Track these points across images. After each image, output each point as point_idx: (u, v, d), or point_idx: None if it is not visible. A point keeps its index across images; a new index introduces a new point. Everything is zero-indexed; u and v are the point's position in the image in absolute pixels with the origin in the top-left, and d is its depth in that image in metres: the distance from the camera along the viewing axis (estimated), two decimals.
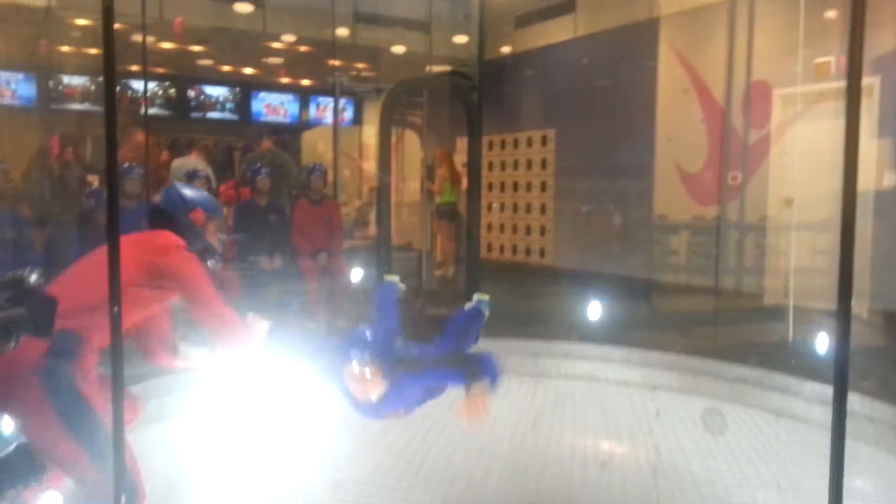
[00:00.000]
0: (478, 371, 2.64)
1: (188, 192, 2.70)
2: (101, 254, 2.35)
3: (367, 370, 2.47)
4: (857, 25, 2.24)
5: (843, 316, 2.32)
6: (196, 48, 9.07)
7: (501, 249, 9.96)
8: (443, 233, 8.42)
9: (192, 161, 6.91)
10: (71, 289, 2.28)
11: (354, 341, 2.53)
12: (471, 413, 2.50)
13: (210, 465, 3.44)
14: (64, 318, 2.03)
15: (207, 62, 9.44)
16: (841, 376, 2.31)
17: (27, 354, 2.07)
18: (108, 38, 2.47)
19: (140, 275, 2.40)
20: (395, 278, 3.80)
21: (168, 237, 2.55)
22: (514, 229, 9.81)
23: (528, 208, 9.57)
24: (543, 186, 9.34)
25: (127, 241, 2.41)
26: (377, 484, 3.26)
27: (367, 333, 2.59)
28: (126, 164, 5.68)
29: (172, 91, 8.88)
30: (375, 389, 2.54)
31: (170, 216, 2.61)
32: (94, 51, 7.59)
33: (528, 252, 9.60)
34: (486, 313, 3.67)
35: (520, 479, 3.38)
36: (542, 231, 9.39)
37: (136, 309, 2.43)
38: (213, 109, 9.15)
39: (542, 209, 9.38)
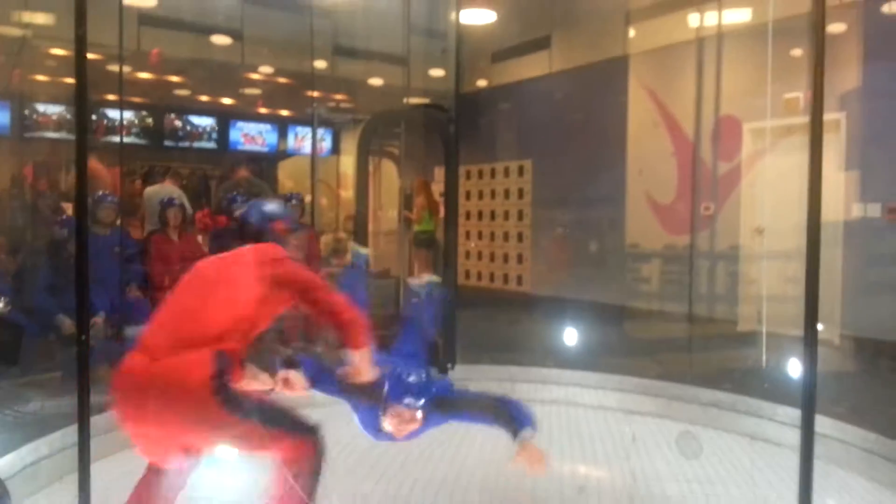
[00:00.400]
0: (509, 418, 2.74)
1: (271, 206, 2.87)
2: (211, 280, 2.54)
3: (417, 414, 2.57)
4: (818, 64, 2.34)
5: (810, 341, 2.38)
6: (174, 78, 9.09)
7: (479, 277, 10.00)
8: (420, 260, 8.44)
9: (167, 188, 6.88)
10: (196, 317, 2.42)
11: (403, 385, 2.62)
12: (531, 462, 2.62)
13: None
14: (214, 342, 2.32)
15: (185, 92, 9.46)
16: (809, 398, 2.36)
17: (197, 385, 2.26)
18: (80, 67, 2.49)
19: (263, 288, 2.50)
20: (363, 250, 3.87)
21: (276, 248, 2.68)
22: (492, 257, 9.89)
23: (506, 237, 9.66)
24: (520, 215, 9.44)
25: (240, 259, 2.59)
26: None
27: (413, 377, 2.65)
28: (100, 192, 5.66)
29: (149, 120, 8.86)
30: (412, 428, 2.63)
31: (258, 230, 2.74)
32: (68, 80, 7.57)
33: (505, 280, 9.66)
34: (438, 293, 3.66)
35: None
36: (520, 259, 9.46)
37: (260, 323, 2.53)
38: (191, 139, 9.14)
39: (520, 237, 9.47)
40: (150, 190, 7.02)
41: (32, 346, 4.66)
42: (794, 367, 4.49)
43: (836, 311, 5.97)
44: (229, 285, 2.50)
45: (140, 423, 2.36)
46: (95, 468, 2.53)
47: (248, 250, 2.67)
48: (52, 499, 3.27)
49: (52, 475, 3.44)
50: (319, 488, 2.53)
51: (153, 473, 2.51)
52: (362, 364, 2.57)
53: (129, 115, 8.58)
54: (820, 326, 2.47)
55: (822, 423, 3.93)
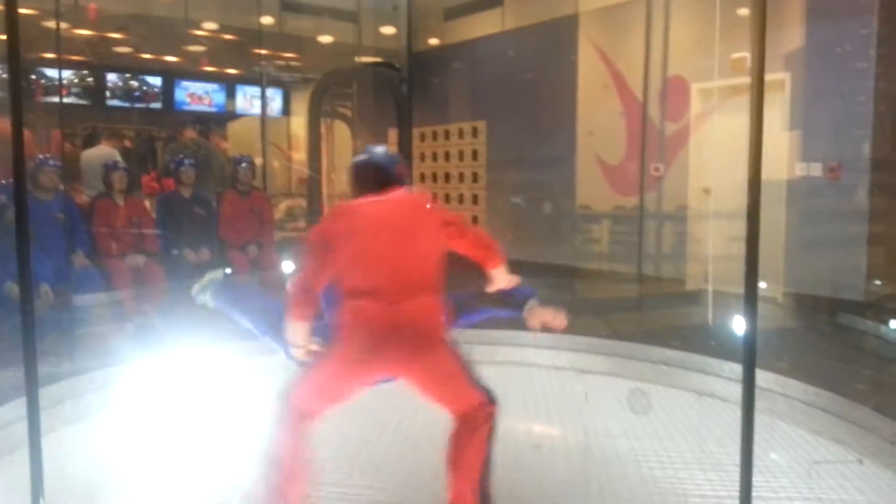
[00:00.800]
0: (519, 300, 2.96)
1: (385, 149, 2.87)
2: (407, 227, 2.60)
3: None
4: (758, 23, 2.36)
5: (751, 298, 2.45)
6: (114, 35, 8.74)
7: None
8: None
9: (105, 151, 6.68)
10: (416, 263, 2.59)
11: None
12: (549, 322, 2.90)
13: (134, 467, 3.36)
14: (434, 287, 2.59)
15: (126, 49, 9.10)
16: (749, 353, 2.45)
17: (436, 328, 2.59)
18: (11, 22, 2.37)
19: (441, 232, 2.65)
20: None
21: (427, 193, 2.94)
22: None
23: (461, 199, 9.64)
24: (475, 177, 9.43)
25: (418, 204, 2.70)
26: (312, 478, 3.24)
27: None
28: (42, 156, 5.46)
29: (90, 79, 8.52)
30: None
31: (397, 174, 2.71)
32: None
33: None
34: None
35: None
36: (475, 221, 9.48)
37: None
38: (134, 99, 8.83)
39: (475, 199, 9.47)
40: (87, 153, 6.81)
41: None
42: (739, 325, 4.67)
43: (780, 269, 6.17)
44: (426, 231, 2.63)
45: (371, 365, 2.57)
46: (45, 441, 2.48)
47: (417, 196, 2.80)
48: (2, 472, 3.21)
49: (2, 449, 3.38)
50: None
51: (302, 421, 2.63)
52: (504, 276, 2.90)
53: (68, 74, 8.24)
54: (763, 284, 2.56)
55: (766, 378, 4.10)
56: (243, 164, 6.21)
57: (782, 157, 6.28)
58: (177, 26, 8.56)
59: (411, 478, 3.29)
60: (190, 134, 7.19)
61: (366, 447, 3.63)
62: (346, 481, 3.25)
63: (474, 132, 9.36)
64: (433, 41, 10.14)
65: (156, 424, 3.87)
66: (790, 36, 6.28)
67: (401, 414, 4.00)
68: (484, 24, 9.35)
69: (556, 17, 8.34)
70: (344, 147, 10.12)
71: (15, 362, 3.84)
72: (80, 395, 3.98)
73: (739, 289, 2.44)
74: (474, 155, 9.38)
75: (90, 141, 7.56)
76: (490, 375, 4.81)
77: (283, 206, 8.65)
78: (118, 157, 6.45)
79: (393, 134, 7.90)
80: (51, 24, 6.09)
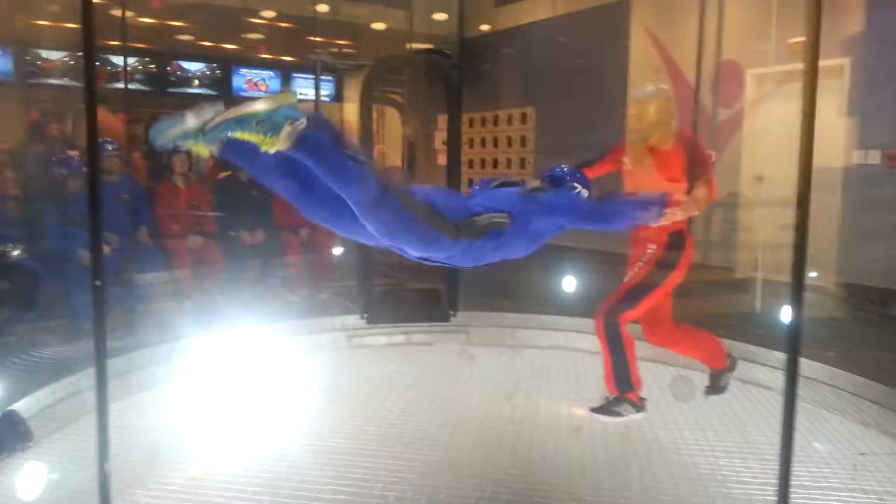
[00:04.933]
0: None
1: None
2: None
3: None
4: (814, 6, 2.35)
5: (797, 287, 2.45)
6: (176, 23, 9.01)
7: None
8: None
9: None
10: None
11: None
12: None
13: (193, 434, 3.54)
14: None
15: (187, 37, 9.38)
16: (794, 342, 2.45)
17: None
18: (86, 12, 2.52)
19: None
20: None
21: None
22: None
23: None
24: (523, 163, 9.44)
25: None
26: (358, 451, 3.38)
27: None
28: (100, 141, 5.68)
29: (152, 66, 8.82)
30: None
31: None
32: (71, 25, 7.53)
33: None
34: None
35: (496, 445, 3.52)
36: None
37: None
38: (193, 85, 9.11)
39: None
40: None
41: (46, 292, 4.78)
42: (787, 314, 4.61)
43: (833, 258, 6.05)
44: None
45: None
46: (111, 409, 2.66)
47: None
48: (69, 439, 3.43)
49: (68, 417, 3.60)
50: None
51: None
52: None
53: (131, 61, 8.54)
54: (814, 273, 2.55)
55: (812, 368, 4.07)
56: None
57: (839, 145, 6.14)
58: (235, 14, 8.77)
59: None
60: None
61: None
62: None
63: (523, 118, 9.37)
64: (484, 27, 10.15)
65: (213, 396, 4.06)
66: (850, 20, 6.10)
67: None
68: (535, 10, 9.31)
69: (608, 1, 8.25)
70: (395, 133, 10.25)
71: (84, 336, 4.09)
72: (143, 367, 4.20)
73: (789, 278, 2.44)
74: (522, 141, 9.38)
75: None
76: (534, 359, 4.92)
77: None
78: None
79: (443, 120, 7.95)
80: (117, 12, 6.35)
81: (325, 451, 3.36)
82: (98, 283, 2.57)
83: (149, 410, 3.85)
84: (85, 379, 3.71)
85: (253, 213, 6.02)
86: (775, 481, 2.41)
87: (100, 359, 2.60)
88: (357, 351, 5.14)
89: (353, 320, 5.28)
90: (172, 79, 8.96)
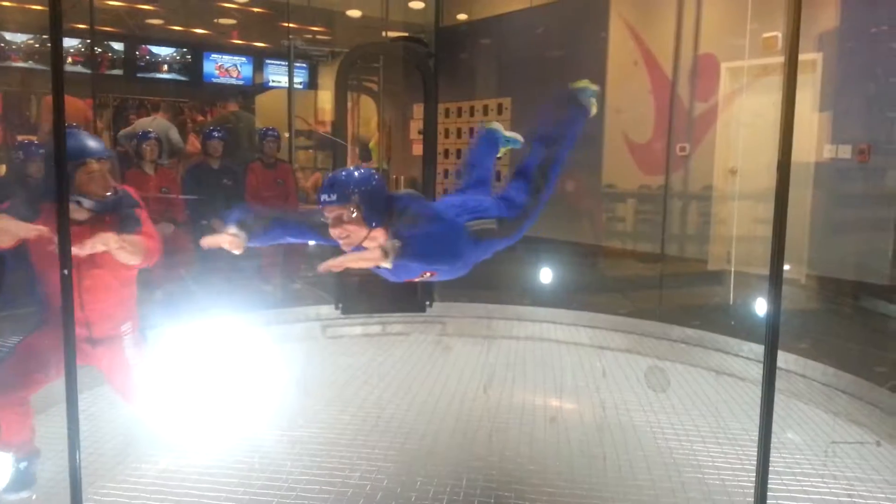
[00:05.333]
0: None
1: None
2: None
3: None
4: (794, 2, 2.35)
5: (775, 279, 2.47)
6: (145, 6, 8.82)
7: None
8: None
9: (159, 122, 6.81)
10: None
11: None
12: None
13: (166, 425, 3.47)
14: None
15: (157, 21, 9.18)
16: (772, 334, 2.47)
17: None
18: None
19: None
20: (496, 125, 3.39)
21: None
22: None
23: None
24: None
25: None
26: (333, 441, 3.34)
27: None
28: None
29: (120, 51, 8.62)
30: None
31: None
32: (38, 7, 7.33)
33: None
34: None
35: (472, 434, 3.50)
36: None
37: None
38: (163, 70, 8.92)
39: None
40: (142, 122, 6.92)
41: (12, 280, 4.65)
42: (760, 305, 4.67)
43: (804, 251, 6.13)
44: None
45: None
46: (81, 398, 2.59)
47: None
48: (38, 430, 3.33)
49: (37, 407, 3.49)
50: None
51: None
52: None
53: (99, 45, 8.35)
54: (786, 266, 2.57)
55: (786, 359, 4.12)
56: (269, 137, 6.28)
57: (811, 139, 6.21)
58: None
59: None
60: (232, 106, 7.34)
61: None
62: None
63: (499, 108, 9.34)
64: (461, 16, 10.08)
65: (185, 387, 3.98)
66: (824, 15, 6.17)
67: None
68: (512, 0, 9.28)
69: None
70: (370, 121, 10.17)
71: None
72: None
73: (762, 270, 2.45)
74: None
75: (121, 111, 7.68)
76: (509, 350, 4.92)
77: (311, 180, 8.75)
78: (165, 127, 6.61)
79: (418, 109, 7.91)
80: None
81: (300, 440, 3.32)
82: (66, 271, 2.49)
83: (119, 401, 3.75)
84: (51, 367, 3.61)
85: (225, 201, 5.91)
86: (749, 467, 2.43)
87: (69, 348, 2.52)
88: (332, 341, 5.09)
89: (328, 310, 5.23)
90: (141, 63, 8.76)
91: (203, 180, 5.94)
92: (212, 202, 5.85)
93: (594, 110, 3.11)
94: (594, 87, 3.13)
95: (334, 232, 2.24)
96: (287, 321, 5.12)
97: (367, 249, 2.22)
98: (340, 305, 5.24)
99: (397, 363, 4.61)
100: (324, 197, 2.24)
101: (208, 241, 2.30)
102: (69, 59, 7.40)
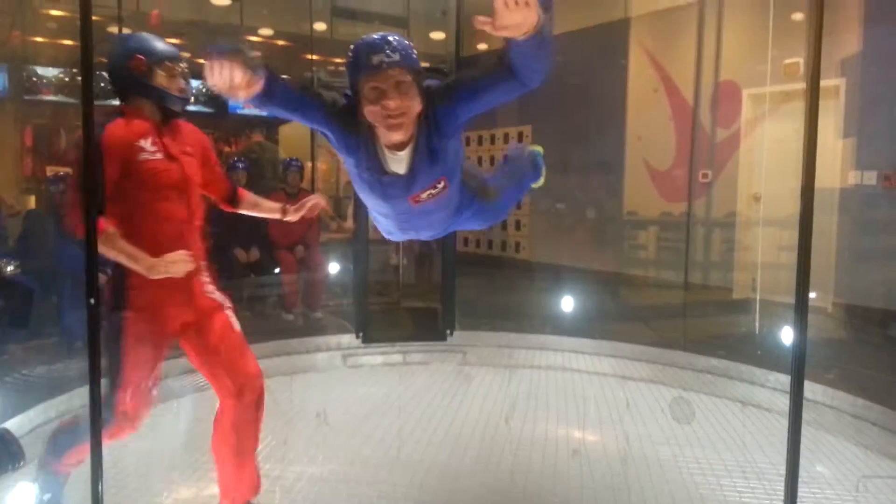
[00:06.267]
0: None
1: None
2: None
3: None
4: (815, 26, 2.34)
5: (801, 308, 2.43)
6: (174, 40, 9.01)
7: (478, 244, 10.06)
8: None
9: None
10: None
11: None
12: None
13: (184, 457, 3.48)
14: None
15: (185, 55, 9.37)
16: (798, 364, 2.43)
17: None
18: (85, 29, 2.49)
19: None
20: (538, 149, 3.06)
21: None
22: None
23: None
24: None
25: None
26: (354, 477, 3.32)
27: None
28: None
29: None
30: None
31: None
32: (68, 42, 7.53)
33: (503, 247, 9.72)
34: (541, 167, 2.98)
35: (494, 468, 3.46)
36: (518, 226, 9.50)
37: None
38: (190, 102, 9.07)
39: (519, 204, 9.49)
40: None
41: (39, 310, 4.73)
42: (787, 334, 4.60)
43: (830, 279, 6.05)
44: None
45: None
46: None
47: None
48: None
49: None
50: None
51: None
52: None
53: None
54: (812, 294, 2.52)
55: (813, 390, 4.04)
56: (292, 167, 6.37)
57: (835, 165, 6.16)
58: (233, 32, 8.79)
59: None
60: (257, 137, 7.48)
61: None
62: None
63: (520, 137, 9.38)
64: (482, 46, 10.17)
65: (205, 418, 4.00)
66: (846, 41, 6.15)
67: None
68: None
69: (607, 20, 8.30)
70: None
71: (77, 354, 4.04)
72: None
73: (787, 298, 2.42)
74: None
75: None
76: (531, 380, 4.88)
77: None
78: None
79: None
80: (114, 29, 6.34)
81: (321, 478, 3.30)
82: (92, 301, 2.52)
83: (140, 431, 3.78)
84: (78, 398, 3.66)
85: (248, 231, 5.98)
86: (778, 502, 2.37)
87: (93, 377, 2.54)
88: (352, 371, 5.09)
89: (349, 339, 5.24)
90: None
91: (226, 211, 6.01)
92: (235, 233, 5.92)
93: (542, 181, 2.97)
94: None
95: (387, 104, 1.78)
96: (308, 351, 5.14)
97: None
98: (361, 334, 5.24)
99: (418, 393, 4.59)
100: (380, 58, 1.77)
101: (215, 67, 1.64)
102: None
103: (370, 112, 1.81)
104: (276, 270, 6.12)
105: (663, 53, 7.84)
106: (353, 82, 1.85)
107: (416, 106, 1.83)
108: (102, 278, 4.51)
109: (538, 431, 3.95)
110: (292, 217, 2.90)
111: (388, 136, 1.87)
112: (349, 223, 7.98)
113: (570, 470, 3.43)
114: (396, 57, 1.77)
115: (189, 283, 2.55)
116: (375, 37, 1.83)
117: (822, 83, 2.51)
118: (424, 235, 2.44)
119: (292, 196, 6.28)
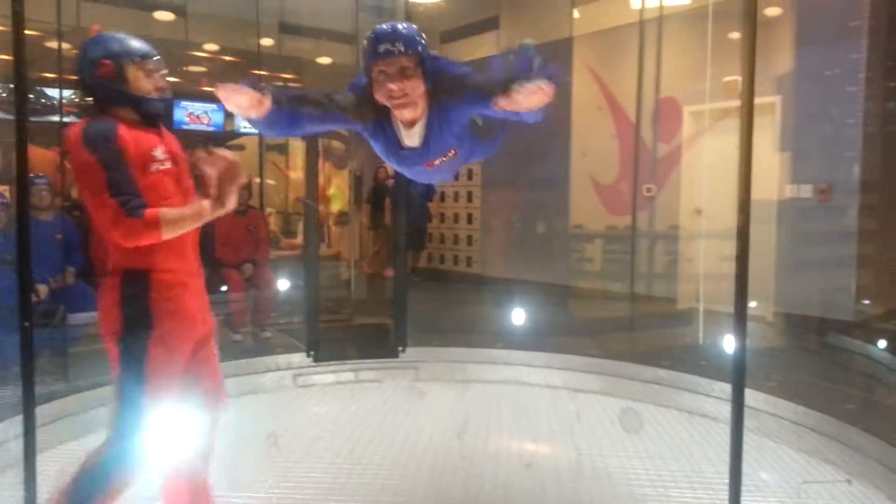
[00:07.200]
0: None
1: None
2: None
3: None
4: (748, 46, 2.43)
5: (740, 317, 2.50)
6: None
7: (430, 258, 10.07)
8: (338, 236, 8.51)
9: None
10: None
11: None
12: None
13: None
14: None
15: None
16: (739, 372, 2.49)
17: None
18: (17, 44, 2.43)
19: None
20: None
21: None
22: (442, 238, 9.96)
23: (455, 218, 9.73)
24: (470, 197, 9.51)
25: None
26: (304, 502, 3.27)
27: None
28: (30, 175, 5.49)
29: (90, 99, 8.57)
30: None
31: None
32: (4, 56, 7.30)
33: (455, 261, 9.75)
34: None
35: (446, 486, 3.45)
36: (469, 240, 9.56)
37: None
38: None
39: (469, 219, 9.55)
40: None
41: None
42: (730, 344, 4.72)
43: (770, 289, 6.23)
44: None
45: None
46: (40, 458, 2.52)
47: None
48: None
49: None
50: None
51: None
52: None
53: (68, 93, 8.32)
54: (753, 303, 2.60)
55: (755, 398, 4.14)
56: None
57: (773, 179, 6.37)
58: (177, 47, 8.66)
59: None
60: (199, 153, 7.33)
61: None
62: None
63: None
64: None
65: (148, 443, 3.88)
66: (781, 60, 6.38)
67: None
68: (480, 47, 9.45)
69: (551, 39, 8.45)
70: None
71: (11, 381, 3.87)
72: (76, 413, 4.00)
73: (730, 308, 2.48)
74: (469, 174, 9.46)
75: None
76: (483, 394, 4.89)
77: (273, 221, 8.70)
78: None
79: None
80: (53, 43, 6.18)
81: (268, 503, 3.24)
82: (26, 324, 2.45)
83: (79, 460, 3.65)
84: (12, 427, 3.51)
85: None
86: None
87: (27, 405, 2.46)
88: (303, 391, 5.02)
89: (300, 358, 5.17)
90: None
91: None
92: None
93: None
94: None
95: (392, 88, 2.03)
96: (256, 371, 5.05)
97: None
98: (312, 353, 5.18)
99: (370, 411, 4.56)
100: (385, 47, 2.01)
101: (225, 90, 1.82)
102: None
103: (379, 93, 2.08)
104: (223, 289, 6.01)
105: (606, 72, 8.02)
106: (366, 67, 2.11)
107: (419, 88, 2.07)
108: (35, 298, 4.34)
109: (491, 446, 3.96)
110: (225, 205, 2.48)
111: (400, 114, 2.16)
112: (299, 240, 7.91)
113: (522, 484, 3.44)
114: (401, 46, 2.02)
115: (202, 285, 2.54)
116: (386, 27, 2.09)
117: (759, 100, 2.60)
118: (436, 180, 2.96)
119: (240, 213, 6.20)
